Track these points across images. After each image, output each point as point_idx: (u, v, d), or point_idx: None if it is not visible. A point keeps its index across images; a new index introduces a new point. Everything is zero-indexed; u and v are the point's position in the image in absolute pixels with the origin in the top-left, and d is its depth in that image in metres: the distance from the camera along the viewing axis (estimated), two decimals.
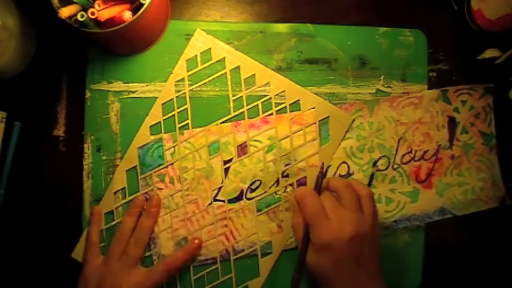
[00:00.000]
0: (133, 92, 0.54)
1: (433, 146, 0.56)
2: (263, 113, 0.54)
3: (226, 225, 0.53)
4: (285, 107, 0.54)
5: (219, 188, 0.54)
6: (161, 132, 0.53)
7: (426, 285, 0.55)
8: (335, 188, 0.48)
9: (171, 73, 0.54)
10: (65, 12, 0.43)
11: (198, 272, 0.53)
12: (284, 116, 0.54)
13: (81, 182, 0.53)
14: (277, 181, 0.54)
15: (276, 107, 0.54)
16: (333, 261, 0.45)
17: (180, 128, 0.54)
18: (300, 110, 0.55)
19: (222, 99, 0.54)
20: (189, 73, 0.54)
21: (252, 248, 0.54)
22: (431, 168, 0.56)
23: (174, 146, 0.53)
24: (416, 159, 0.56)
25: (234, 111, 0.54)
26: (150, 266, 0.51)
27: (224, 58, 0.54)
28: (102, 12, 0.45)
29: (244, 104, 0.54)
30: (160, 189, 0.53)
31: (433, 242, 0.56)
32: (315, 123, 0.54)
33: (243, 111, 0.54)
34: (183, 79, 0.54)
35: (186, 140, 0.54)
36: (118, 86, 0.54)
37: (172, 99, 0.54)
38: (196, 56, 0.54)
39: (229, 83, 0.54)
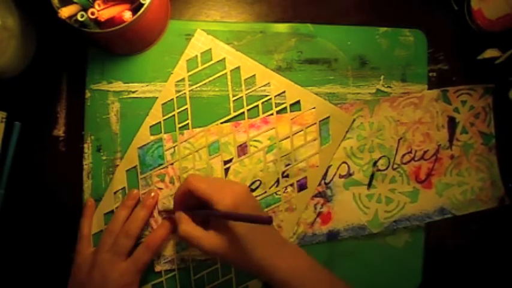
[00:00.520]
0: (134, 92, 0.54)
1: (433, 146, 0.56)
2: (263, 113, 0.54)
3: None
4: (285, 107, 0.54)
5: None
6: (161, 132, 0.53)
7: (426, 285, 0.55)
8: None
9: (172, 73, 0.54)
10: (65, 12, 0.43)
11: (198, 272, 0.53)
12: (284, 116, 0.54)
13: (81, 182, 0.53)
14: (278, 181, 0.54)
15: (276, 107, 0.54)
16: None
17: (180, 128, 0.54)
18: (300, 110, 0.55)
19: (222, 100, 0.54)
20: (190, 73, 0.54)
21: None
22: (431, 168, 0.56)
23: (174, 146, 0.53)
24: (416, 159, 0.56)
25: (234, 112, 0.54)
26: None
27: (224, 58, 0.54)
28: (102, 12, 0.45)
29: (245, 104, 0.54)
30: (160, 189, 0.53)
31: (433, 242, 0.56)
32: (315, 123, 0.54)
33: (243, 112, 0.54)
34: (183, 79, 0.54)
35: (186, 140, 0.54)
36: (118, 86, 0.54)
37: (172, 99, 0.54)
38: (196, 56, 0.54)
39: (229, 83, 0.54)
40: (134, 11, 0.46)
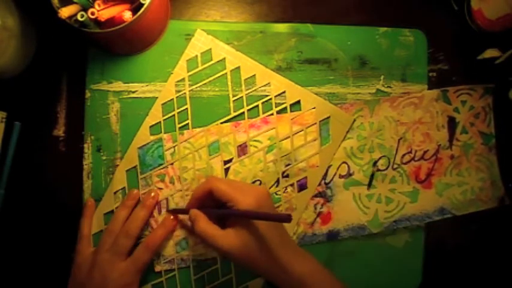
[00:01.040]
0: (133, 92, 0.54)
1: (433, 146, 0.56)
2: (263, 113, 0.54)
3: None
4: (286, 107, 0.54)
5: None
6: (161, 132, 0.53)
7: (426, 285, 0.55)
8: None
9: (172, 73, 0.54)
10: (65, 12, 0.43)
11: (198, 272, 0.53)
12: (284, 116, 0.54)
13: (81, 182, 0.53)
14: (278, 181, 0.54)
15: (276, 107, 0.54)
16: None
17: (180, 128, 0.54)
18: (300, 110, 0.55)
19: (222, 100, 0.54)
20: (190, 73, 0.54)
21: None
22: (431, 168, 0.56)
23: (174, 146, 0.53)
24: (416, 159, 0.56)
25: (234, 112, 0.54)
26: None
27: (224, 58, 0.54)
28: (102, 12, 0.45)
29: (245, 104, 0.54)
30: (160, 189, 0.53)
31: (433, 242, 0.56)
32: (315, 123, 0.54)
33: (243, 112, 0.54)
34: (183, 79, 0.54)
35: (186, 140, 0.54)
36: (118, 86, 0.54)
37: (172, 99, 0.54)
38: (196, 56, 0.54)
39: (229, 83, 0.54)
40: (134, 11, 0.46)
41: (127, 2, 0.47)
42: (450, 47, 0.57)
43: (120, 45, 0.52)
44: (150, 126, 0.53)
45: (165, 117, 0.53)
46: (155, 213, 0.53)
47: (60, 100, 0.54)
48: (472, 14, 0.55)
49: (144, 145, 0.53)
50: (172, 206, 0.53)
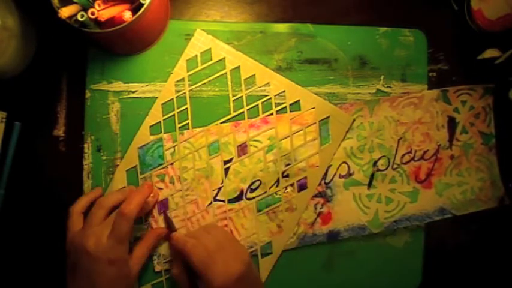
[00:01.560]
0: (133, 92, 0.54)
1: (433, 146, 0.56)
2: (263, 113, 0.54)
3: (226, 225, 0.53)
4: (285, 107, 0.54)
5: (219, 188, 0.54)
6: (161, 132, 0.53)
7: (426, 285, 0.55)
8: (193, 235, 0.50)
9: (171, 73, 0.54)
10: (65, 12, 0.43)
11: None
12: (284, 116, 0.54)
13: (81, 182, 0.53)
14: (278, 181, 0.54)
15: (276, 107, 0.54)
16: None
17: (180, 128, 0.54)
18: (300, 110, 0.55)
19: (222, 99, 0.54)
20: (189, 73, 0.54)
21: (252, 248, 0.54)
22: (431, 168, 0.56)
23: (174, 146, 0.53)
24: (416, 159, 0.56)
25: (234, 111, 0.54)
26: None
27: (224, 58, 0.54)
28: (102, 12, 0.45)
29: (244, 104, 0.54)
30: (160, 189, 0.53)
31: (433, 242, 0.56)
32: (315, 123, 0.54)
33: (243, 111, 0.54)
34: (183, 79, 0.54)
35: (186, 140, 0.54)
36: (118, 86, 0.54)
37: (172, 99, 0.54)
38: (196, 56, 0.54)
39: (229, 83, 0.54)
40: (134, 11, 0.46)
41: (127, 2, 0.47)
42: (450, 47, 0.57)
43: (120, 45, 0.52)
44: (150, 126, 0.53)
45: (165, 117, 0.53)
46: (155, 212, 0.53)
47: (60, 100, 0.54)
48: (472, 14, 0.55)
49: (144, 145, 0.53)
50: (172, 206, 0.53)
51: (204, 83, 0.54)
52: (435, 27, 0.57)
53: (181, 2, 0.55)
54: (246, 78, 0.54)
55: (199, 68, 0.54)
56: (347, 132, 0.55)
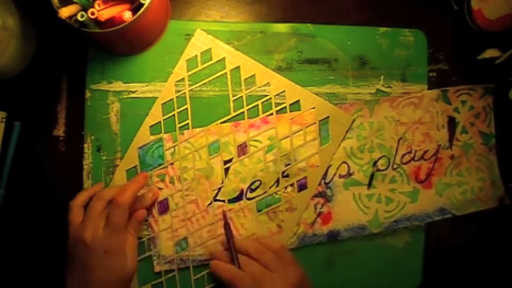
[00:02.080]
0: (133, 92, 0.54)
1: (433, 146, 0.56)
2: (263, 113, 0.54)
3: None
4: (285, 107, 0.54)
5: (219, 188, 0.54)
6: (161, 132, 0.53)
7: (426, 285, 0.55)
8: (248, 252, 0.50)
9: (171, 73, 0.54)
10: (65, 12, 0.43)
11: (198, 272, 0.53)
12: (284, 116, 0.54)
13: (81, 182, 0.53)
14: (278, 181, 0.54)
15: (276, 107, 0.54)
16: None
17: (180, 128, 0.54)
18: (300, 110, 0.55)
19: (222, 99, 0.54)
20: (189, 73, 0.54)
21: None
22: (431, 168, 0.56)
23: (174, 146, 0.53)
24: (416, 159, 0.56)
25: (234, 111, 0.54)
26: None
27: (224, 58, 0.54)
28: (102, 12, 0.45)
29: (244, 104, 0.54)
30: (160, 189, 0.53)
31: (433, 242, 0.56)
32: (315, 123, 0.54)
33: (243, 111, 0.54)
34: (183, 79, 0.54)
35: (186, 140, 0.54)
36: (118, 86, 0.54)
37: (172, 99, 0.54)
38: (196, 56, 0.54)
39: (229, 83, 0.54)
40: (134, 11, 0.46)
41: (127, 2, 0.47)
42: (450, 47, 0.57)
43: (120, 45, 0.52)
44: (150, 126, 0.53)
45: (165, 117, 0.53)
46: (155, 213, 0.53)
47: (60, 100, 0.54)
48: (472, 14, 0.55)
49: (144, 145, 0.53)
50: (172, 206, 0.53)
51: (204, 83, 0.54)
52: (435, 27, 0.57)
53: (181, 2, 0.55)
54: (246, 78, 0.54)
55: (199, 68, 0.54)
56: (347, 132, 0.55)
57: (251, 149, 0.54)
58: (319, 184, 0.54)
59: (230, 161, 0.54)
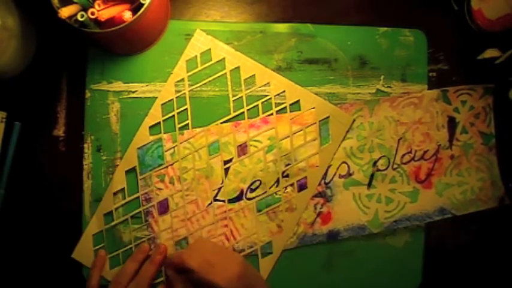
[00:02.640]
0: (133, 92, 0.54)
1: (433, 146, 0.56)
2: (263, 113, 0.54)
3: (226, 225, 0.53)
4: (285, 107, 0.54)
5: (219, 188, 0.54)
6: (161, 132, 0.53)
7: (426, 285, 0.55)
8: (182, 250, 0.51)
9: (171, 73, 0.54)
10: (65, 12, 0.43)
11: None
12: (284, 116, 0.54)
13: (81, 182, 0.53)
14: (278, 181, 0.54)
15: (276, 107, 0.54)
16: None
17: (180, 128, 0.54)
18: (300, 110, 0.55)
19: (222, 100, 0.54)
20: (189, 73, 0.54)
21: (252, 248, 0.54)
22: (431, 168, 0.56)
23: (174, 147, 0.53)
24: (416, 159, 0.56)
25: (234, 112, 0.54)
26: None
27: (224, 58, 0.54)
28: (102, 12, 0.45)
29: (244, 104, 0.54)
30: (160, 189, 0.53)
31: (433, 242, 0.56)
32: (315, 123, 0.54)
33: (243, 112, 0.54)
34: (182, 79, 0.54)
35: (186, 140, 0.54)
36: (118, 86, 0.54)
37: (172, 99, 0.54)
38: (196, 56, 0.54)
39: (229, 83, 0.54)
40: (134, 11, 0.46)
41: (127, 2, 0.47)
42: (450, 47, 0.57)
43: (120, 45, 0.52)
44: (150, 127, 0.53)
45: (164, 118, 0.53)
46: (155, 213, 0.53)
47: (60, 100, 0.54)
48: (472, 14, 0.55)
49: (144, 145, 0.53)
50: (172, 206, 0.53)
51: (204, 83, 0.54)
52: (435, 27, 0.57)
53: (181, 2, 0.55)
54: (246, 79, 0.54)
55: (199, 68, 0.54)
56: (347, 132, 0.55)
57: (251, 149, 0.54)
58: (319, 184, 0.54)
59: (230, 161, 0.54)
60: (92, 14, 0.45)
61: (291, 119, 0.54)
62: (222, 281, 0.46)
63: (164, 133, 0.53)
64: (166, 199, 0.53)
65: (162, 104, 0.53)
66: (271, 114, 0.54)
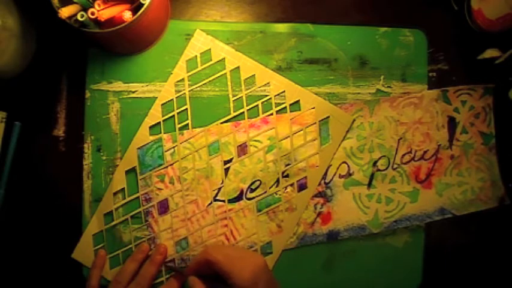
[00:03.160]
0: (133, 92, 0.54)
1: (433, 146, 0.56)
2: (263, 113, 0.54)
3: (226, 225, 0.54)
4: (285, 107, 0.54)
5: (219, 188, 0.54)
6: (161, 132, 0.53)
7: (426, 285, 0.55)
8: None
9: (171, 73, 0.54)
10: (65, 12, 0.43)
11: None
12: (284, 116, 0.54)
13: (81, 182, 0.53)
14: (277, 181, 0.54)
15: (276, 107, 0.54)
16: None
17: (180, 128, 0.54)
18: (300, 110, 0.55)
19: (222, 100, 0.54)
20: (189, 74, 0.54)
21: (252, 248, 0.54)
22: (431, 168, 0.56)
23: (174, 147, 0.53)
24: (416, 159, 0.56)
25: (234, 112, 0.54)
26: None
27: (224, 59, 0.54)
28: (102, 12, 0.45)
29: (244, 104, 0.54)
30: (160, 189, 0.53)
31: (433, 242, 0.56)
32: (315, 123, 0.54)
33: (243, 112, 0.54)
34: (182, 79, 0.54)
35: (186, 140, 0.54)
36: (118, 86, 0.54)
37: (172, 99, 0.54)
38: (196, 56, 0.54)
39: (229, 83, 0.54)
40: (134, 11, 0.46)
41: (127, 2, 0.47)
42: (450, 47, 0.57)
43: (120, 45, 0.52)
44: (150, 127, 0.53)
45: (164, 118, 0.53)
46: (155, 213, 0.53)
47: (60, 100, 0.54)
48: (472, 14, 0.55)
49: (144, 145, 0.53)
50: (172, 206, 0.53)
51: (204, 83, 0.54)
52: (435, 27, 0.57)
53: (181, 2, 0.55)
54: (246, 79, 0.54)
55: (199, 68, 0.54)
56: (347, 132, 0.55)
57: (251, 149, 0.54)
58: (319, 184, 0.54)
59: (230, 161, 0.54)
60: (92, 14, 0.45)
61: (291, 119, 0.54)
62: (247, 274, 0.45)
63: (164, 133, 0.53)
64: (166, 199, 0.53)
65: (162, 104, 0.53)
66: (271, 114, 0.54)
